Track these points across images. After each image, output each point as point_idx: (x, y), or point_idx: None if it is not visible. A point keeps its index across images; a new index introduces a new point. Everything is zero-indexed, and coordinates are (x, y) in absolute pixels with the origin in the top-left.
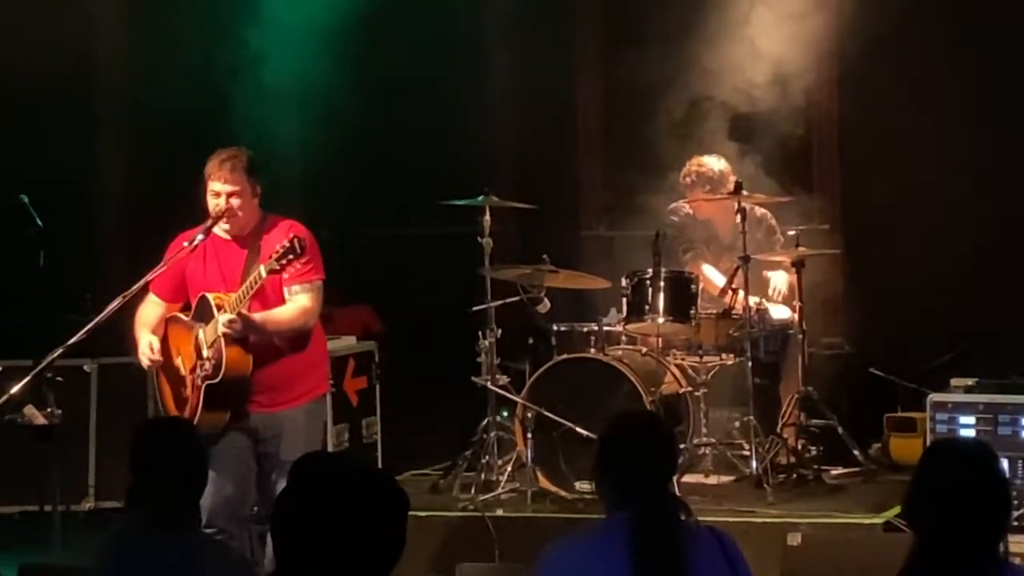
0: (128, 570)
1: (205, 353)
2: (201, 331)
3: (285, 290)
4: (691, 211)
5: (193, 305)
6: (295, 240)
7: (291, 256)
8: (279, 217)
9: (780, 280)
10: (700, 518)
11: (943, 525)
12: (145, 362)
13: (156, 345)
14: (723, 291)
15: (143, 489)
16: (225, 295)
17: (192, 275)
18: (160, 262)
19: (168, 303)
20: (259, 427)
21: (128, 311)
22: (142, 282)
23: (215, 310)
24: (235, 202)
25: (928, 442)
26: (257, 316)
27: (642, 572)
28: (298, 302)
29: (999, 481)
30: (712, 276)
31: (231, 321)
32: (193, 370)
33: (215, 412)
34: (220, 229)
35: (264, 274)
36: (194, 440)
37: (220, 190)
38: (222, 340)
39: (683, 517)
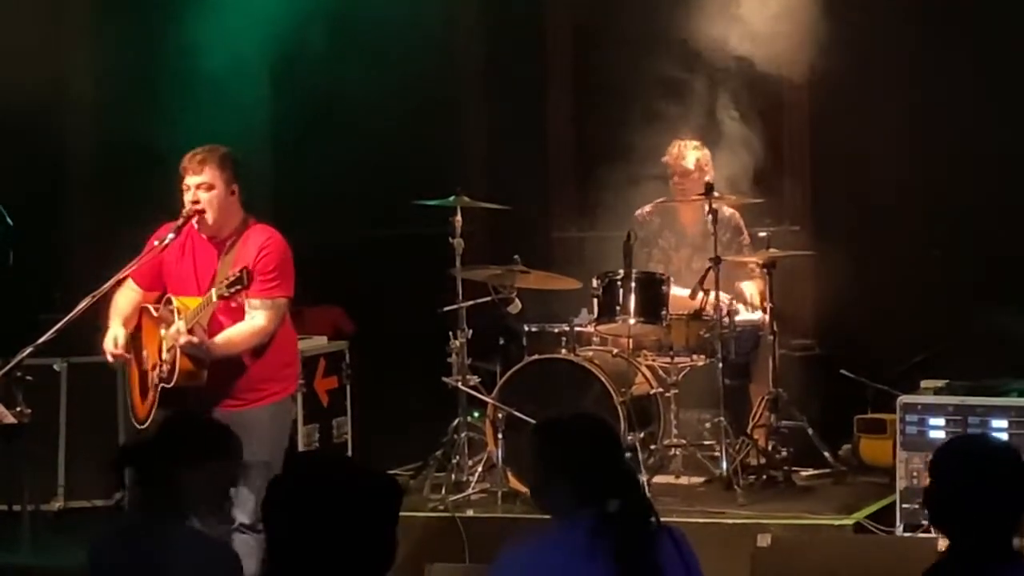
0: (123, 556)
1: (164, 356)
2: (164, 331)
3: (246, 302)
4: (654, 211)
5: (163, 302)
6: (244, 272)
7: (238, 287)
8: (261, 225)
9: (751, 288)
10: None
11: (971, 522)
12: (108, 357)
13: (121, 340)
14: (692, 296)
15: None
16: (189, 300)
17: (168, 269)
18: (142, 250)
19: (145, 291)
20: None
21: (96, 310)
22: (113, 280)
23: (176, 316)
24: (204, 195)
25: (898, 444)
26: (217, 339)
27: (627, 572)
28: (254, 319)
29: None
30: (677, 294)
31: (187, 342)
32: (154, 367)
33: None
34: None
35: (215, 299)
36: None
37: (190, 183)
38: (177, 349)
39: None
